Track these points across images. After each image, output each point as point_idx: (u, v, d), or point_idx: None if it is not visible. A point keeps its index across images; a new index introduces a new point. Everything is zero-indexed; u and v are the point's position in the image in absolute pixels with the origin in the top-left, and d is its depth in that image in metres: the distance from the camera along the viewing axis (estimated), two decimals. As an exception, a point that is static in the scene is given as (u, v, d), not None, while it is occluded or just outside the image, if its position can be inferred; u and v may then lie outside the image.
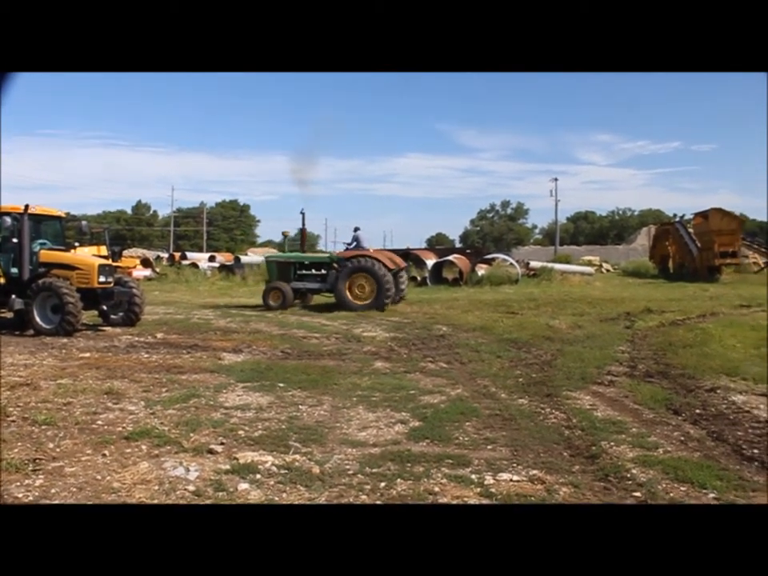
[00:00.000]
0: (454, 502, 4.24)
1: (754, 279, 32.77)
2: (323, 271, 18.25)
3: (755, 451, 5.25)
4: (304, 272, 18.52)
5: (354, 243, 19.21)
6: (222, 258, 45.47)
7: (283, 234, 21.21)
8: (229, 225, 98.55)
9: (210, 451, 5.19)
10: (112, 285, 13.06)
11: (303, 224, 19.84)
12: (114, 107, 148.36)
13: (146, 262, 36.40)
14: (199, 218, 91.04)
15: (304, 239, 20.72)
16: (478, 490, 4.44)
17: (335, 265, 17.91)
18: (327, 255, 19.42)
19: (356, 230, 19.43)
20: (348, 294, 17.28)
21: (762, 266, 37.71)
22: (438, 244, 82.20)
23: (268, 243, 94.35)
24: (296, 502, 4.21)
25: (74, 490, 4.36)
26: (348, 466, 4.91)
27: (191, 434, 5.63)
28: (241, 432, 5.76)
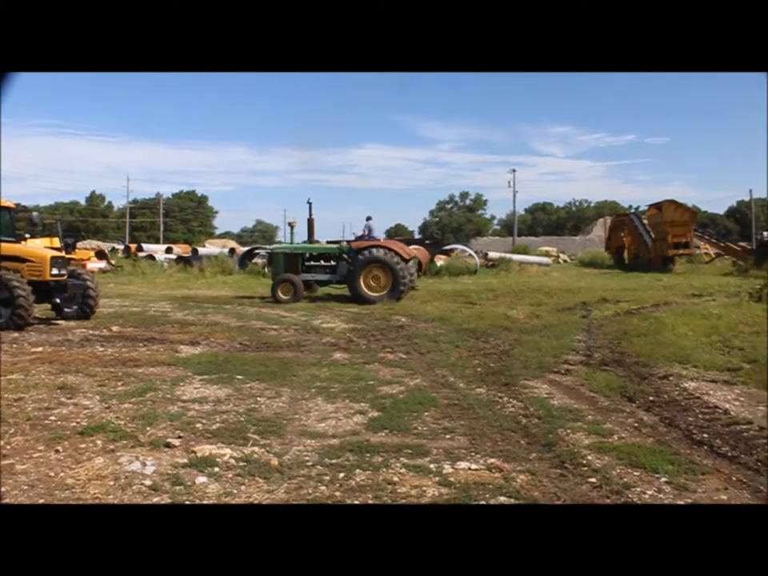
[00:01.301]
0: (413, 492, 4.27)
1: (706, 269, 33.62)
2: (332, 262, 17.88)
3: (705, 436, 5.41)
4: (312, 263, 18.10)
5: (367, 233, 18.67)
6: (180, 249, 44.91)
7: (290, 224, 20.42)
8: (186, 216, 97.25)
9: (167, 445, 5.14)
10: (65, 277, 12.78)
11: (310, 214, 19.28)
12: (65, 95, 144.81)
13: (100, 254, 35.67)
14: (155, 209, 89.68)
15: (312, 229, 19.86)
16: (437, 479, 4.48)
17: (345, 256, 17.56)
18: (337, 246, 18.82)
19: (368, 219, 18.92)
20: (362, 285, 16.97)
21: (713, 256, 38.67)
22: (397, 235, 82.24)
23: (226, 234, 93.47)
24: (296, 502, 4.15)
25: (25, 487, 4.27)
26: (307, 458, 4.90)
27: (148, 428, 5.56)
28: (198, 425, 5.71)
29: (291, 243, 19.42)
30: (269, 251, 19.42)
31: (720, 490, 4.31)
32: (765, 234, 40.70)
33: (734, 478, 4.49)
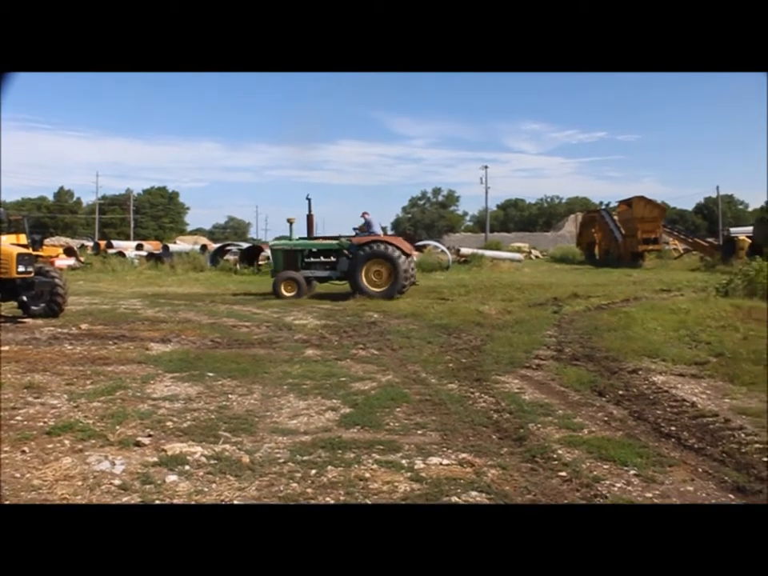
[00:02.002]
0: (385, 487, 4.27)
1: (674, 265, 34.14)
2: (333, 258, 17.67)
3: (672, 428, 5.49)
4: (312, 259, 17.88)
5: (366, 228, 18.33)
6: (150, 246, 44.57)
7: (289, 220, 20.16)
8: (157, 212, 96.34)
9: (137, 444, 5.08)
10: (32, 275, 12.56)
11: (310, 210, 19.19)
12: (33, 88, 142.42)
13: (69, 251, 35.21)
14: (126, 206, 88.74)
15: (311, 225, 19.63)
16: (408, 474, 4.49)
17: (346, 251, 17.38)
18: (337, 242, 18.45)
19: (365, 214, 18.64)
20: (364, 280, 16.80)
21: (682, 252, 39.25)
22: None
23: (198, 231, 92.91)
24: (274, 502, 4.12)
25: (-9, 488, 4.20)
26: (278, 455, 4.89)
27: (117, 427, 5.50)
28: (169, 423, 5.66)
29: (291, 239, 19.07)
30: (273, 247, 19.01)
31: (686, 481, 4.39)
32: (731, 230, 41.38)
33: (700, 470, 4.58)
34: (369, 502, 4.09)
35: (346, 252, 17.45)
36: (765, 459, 4.71)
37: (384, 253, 16.76)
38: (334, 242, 18.63)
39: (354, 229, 18.66)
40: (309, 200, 19.12)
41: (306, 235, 19.21)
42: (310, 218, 19.38)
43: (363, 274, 16.83)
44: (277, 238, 22.36)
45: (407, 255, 17.08)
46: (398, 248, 16.90)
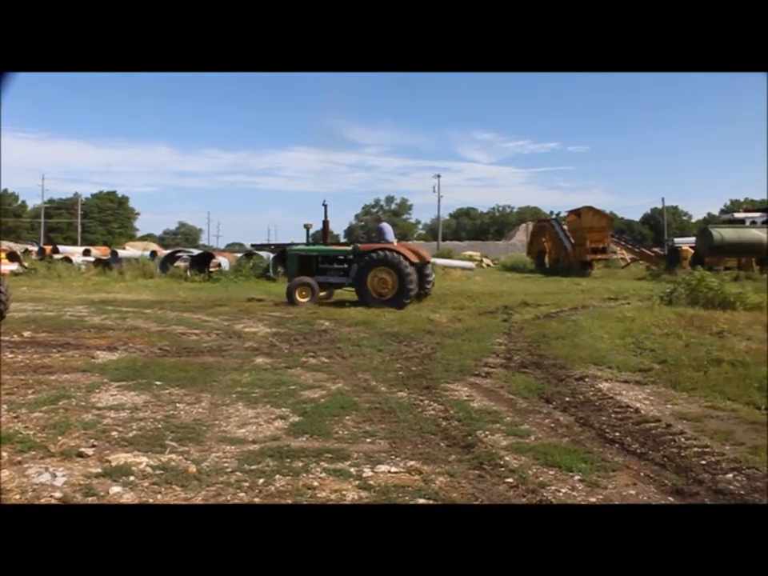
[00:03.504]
0: (333, 496, 4.27)
1: (622, 274, 34.94)
2: (345, 265, 17.33)
3: (617, 434, 5.60)
4: (326, 265, 17.58)
5: (379, 235, 17.96)
6: (98, 251, 43.72)
7: (305, 226, 19.65)
8: (106, 217, 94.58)
9: (80, 455, 4.97)
10: (-27, 281, 12.20)
11: (326, 216, 18.83)
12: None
13: (12, 256, 34.27)
14: (73, 210, 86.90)
15: (326, 231, 19.28)
16: (357, 482, 4.49)
17: (358, 258, 17.04)
18: (351, 248, 18.04)
19: (379, 221, 18.27)
20: (369, 288, 16.38)
21: (629, 261, 40.18)
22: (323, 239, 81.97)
23: (148, 237, 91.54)
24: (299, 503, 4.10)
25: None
26: (226, 464, 4.84)
27: (59, 438, 5.36)
28: (114, 433, 5.55)
29: (307, 245, 18.79)
30: (290, 252, 18.77)
31: (629, 485, 4.48)
32: (675, 240, 42.51)
33: (642, 474, 4.68)
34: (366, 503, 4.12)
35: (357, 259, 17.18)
36: (702, 462, 4.85)
37: (389, 260, 16.29)
38: (348, 248, 18.42)
39: (366, 235, 18.50)
40: (325, 206, 18.92)
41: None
42: (325, 223, 19.17)
43: (368, 281, 16.43)
44: (294, 244, 22.25)
45: (415, 264, 16.57)
46: (404, 256, 16.42)
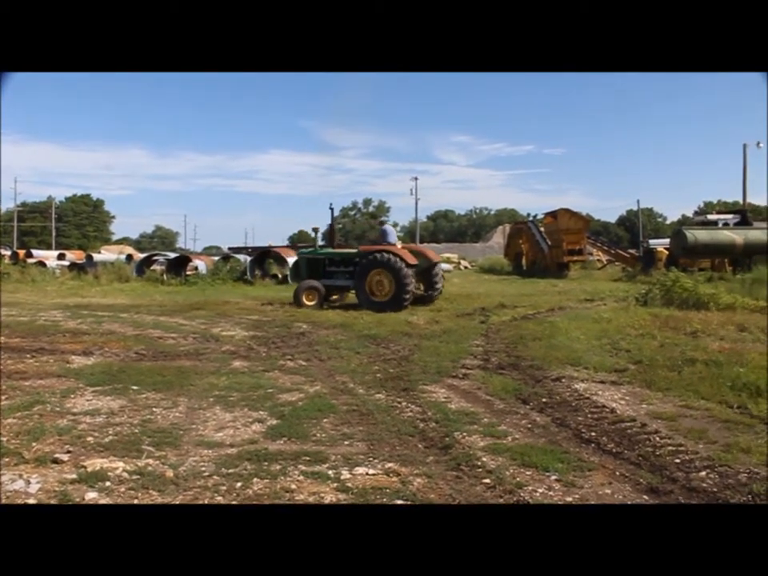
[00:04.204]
0: (311, 498, 4.27)
1: (598, 275, 35.27)
2: (351, 268, 17.21)
3: (593, 434, 5.66)
4: (333, 269, 17.50)
5: (381, 238, 17.75)
6: (73, 256, 43.29)
7: (313, 229, 19.88)
8: (81, 221, 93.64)
9: (55, 461, 4.91)
10: (-55, 285, 12.04)
11: (332, 219, 19.02)
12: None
13: (-15, 261, 33.83)
14: (47, 213, 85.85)
15: (333, 234, 19.28)
16: (335, 485, 4.49)
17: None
18: (356, 251, 17.95)
19: (382, 223, 18.21)
20: (367, 291, 16.23)
21: (605, 262, 40.57)
22: (300, 241, 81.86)
23: (124, 240, 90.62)
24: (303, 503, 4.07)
25: None
26: (203, 468, 4.81)
27: (33, 444, 5.30)
28: (90, 438, 5.50)
29: (315, 248, 18.78)
30: (300, 255, 18.89)
31: (604, 484, 4.53)
32: (650, 241, 42.99)
33: (618, 473, 4.73)
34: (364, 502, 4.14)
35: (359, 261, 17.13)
36: (677, 461, 4.92)
37: (385, 262, 16.09)
38: (354, 251, 18.38)
39: (370, 239, 18.58)
40: (332, 209, 19.15)
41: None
42: (332, 227, 19.32)
43: (366, 284, 16.32)
44: (303, 247, 22.40)
45: (412, 266, 16.31)
46: (401, 257, 16.16)
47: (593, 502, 4.24)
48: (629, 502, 4.24)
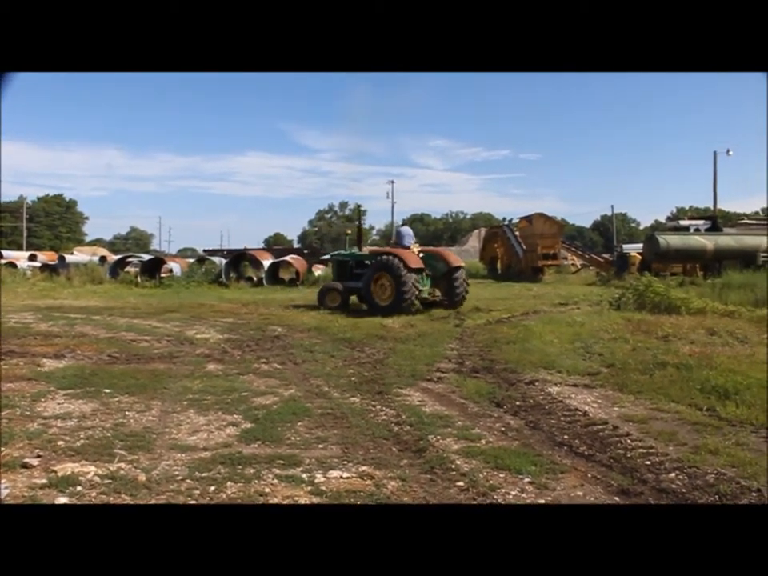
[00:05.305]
0: (285, 501, 4.27)
1: (572, 279, 35.57)
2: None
3: (565, 437, 5.72)
4: (359, 271, 17.37)
5: (397, 240, 17.55)
6: (45, 257, 42.77)
7: (345, 233, 19.81)
8: (53, 221, 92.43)
9: (25, 465, 4.85)
10: None
11: (360, 220, 19.43)
12: None
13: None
14: (18, 213, 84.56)
15: (360, 236, 19.11)
16: (309, 488, 4.49)
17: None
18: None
19: (402, 224, 18.41)
20: (373, 295, 16.02)
21: (579, 267, 40.94)
22: (276, 244, 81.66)
23: (97, 242, 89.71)
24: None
25: None
26: (176, 472, 4.79)
27: (2, 449, 5.21)
28: (60, 443, 5.44)
29: (346, 251, 18.71)
30: (331, 257, 19.06)
31: (577, 486, 4.59)
32: (624, 246, 43.47)
33: (590, 475, 4.79)
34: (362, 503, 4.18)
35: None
36: (647, 463, 4.99)
37: (386, 265, 15.84)
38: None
39: (390, 242, 18.64)
40: (359, 209, 19.65)
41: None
42: (359, 228, 19.35)
43: (372, 288, 16.12)
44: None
45: (414, 269, 15.89)
46: (401, 259, 15.77)
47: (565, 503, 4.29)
48: (599, 503, 4.29)
